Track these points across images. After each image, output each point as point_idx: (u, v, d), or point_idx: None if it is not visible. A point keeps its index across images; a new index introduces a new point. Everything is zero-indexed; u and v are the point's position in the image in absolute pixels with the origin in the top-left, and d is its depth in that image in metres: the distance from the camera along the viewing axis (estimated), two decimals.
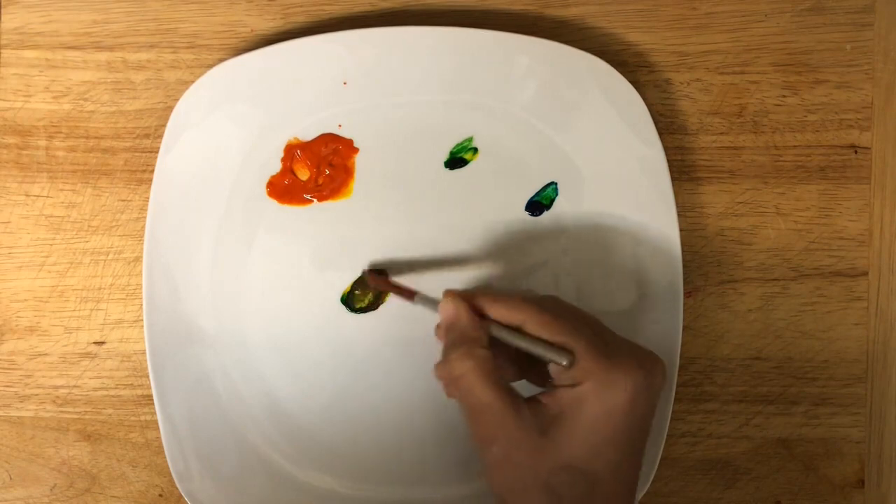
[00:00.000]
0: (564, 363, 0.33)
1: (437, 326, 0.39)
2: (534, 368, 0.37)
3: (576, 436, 0.33)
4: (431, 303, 0.38)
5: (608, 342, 0.35)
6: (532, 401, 0.34)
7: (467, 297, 0.36)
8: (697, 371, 0.44)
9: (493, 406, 0.33)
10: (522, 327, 0.35)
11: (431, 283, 0.42)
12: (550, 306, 0.36)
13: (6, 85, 0.44)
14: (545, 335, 0.34)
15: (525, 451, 0.33)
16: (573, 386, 0.33)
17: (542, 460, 0.33)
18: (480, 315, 0.36)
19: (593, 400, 0.33)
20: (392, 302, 0.43)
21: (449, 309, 0.36)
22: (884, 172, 0.44)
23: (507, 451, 0.33)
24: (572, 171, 0.43)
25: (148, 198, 0.42)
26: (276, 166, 0.43)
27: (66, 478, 0.44)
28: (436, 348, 0.41)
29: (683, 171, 0.44)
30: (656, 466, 0.42)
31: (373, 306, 0.43)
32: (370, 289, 0.43)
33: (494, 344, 0.35)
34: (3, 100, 0.44)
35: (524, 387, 0.37)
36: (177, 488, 0.41)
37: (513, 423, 0.33)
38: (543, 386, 0.37)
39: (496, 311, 0.36)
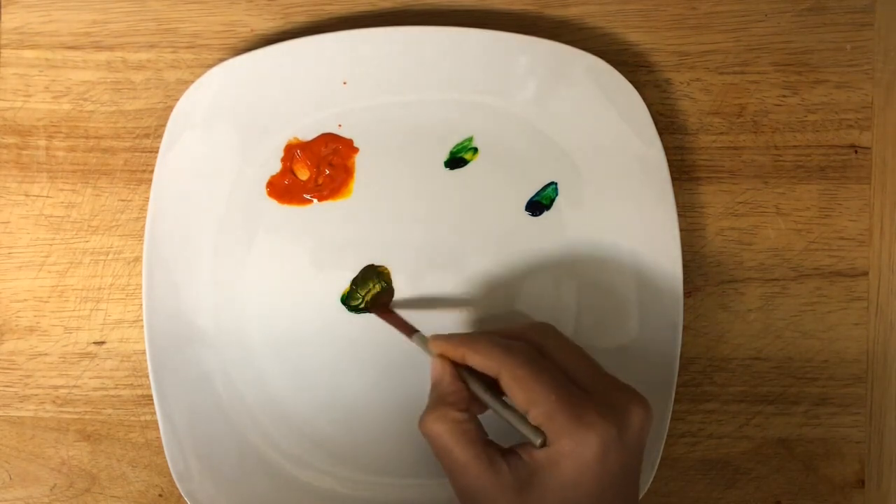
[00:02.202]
0: (537, 443, 0.34)
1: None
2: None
3: (550, 496, 0.33)
4: (425, 345, 0.38)
5: (583, 394, 0.34)
6: (512, 454, 0.34)
7: (451, 346, 0.37)
8: (697, 371, 0.44)
9: (470, 467, 0.34)
10: (499, 379, 0.35)
11: (431, 284, 0.43)
12: (529, 356, 0.35)
13: (6, 85, 0.44)
14: (518, 390, 0.34)
15: None
16: (540, 448, 0.34)
17: None
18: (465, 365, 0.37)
19: (565, 460, 0.33)
20: (392, 302, 0.43)
21: (435, 367, 0.37)
22: (884, 172, 0.44)
23: None
24: (572, 171, 0.43)
25: (148, 198, 0.42)
26: (276, 166, 0.43)
27: (65, 478, 0.44)
28: None
29: (683, 170, 0.44)
30: (656, 466, 0.42)
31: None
32: (372, 291, 0.43)
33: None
34: (3, 99, 0.44)
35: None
36: (177, 488, 0.41)
37: (490, 483, 0.33)
38: None
39: (474, 361, 0.36)
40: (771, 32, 0.44)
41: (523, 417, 0.34)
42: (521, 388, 0.34)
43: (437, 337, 0.37)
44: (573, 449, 0.33)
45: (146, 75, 0.44)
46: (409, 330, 0.39)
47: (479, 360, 0.36)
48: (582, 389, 0.35)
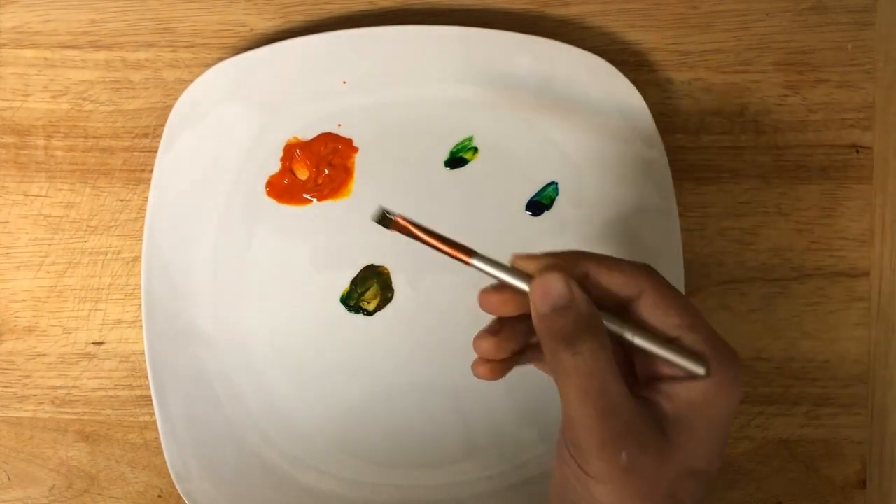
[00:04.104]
0: (701, 372, 0.28)
1: (487, 293, 0.31)
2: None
3: (700, 438, 0.28)
4: (502, 270, 0.29)
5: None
6: (638, 399, 0.29)
7: (569, 261, 0.29)
8: None
9: (626, 406, 0.28)
10: (635, 302, 0.29)
11: (431, 284, 0.42)
12: (664, 278, 0.29)
13: (4, 84, 0.44)
14: (672, 312, 0.28)
15: (652, 456, 0.28)
16: (694, 382, 0.28)
17: (667, 466, 0.28)
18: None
19: (719, 397, 0.28)
20: (391, 302, 0.43)
21: (559, 290, 0.28)
22: (885, 172, 0.44)
23: (635, 458, 0.28)
24: (572, 171, 0.43)
25: (147, 197, 0.41)
26: (275, 166, 0.43)
27: (64, 478, 0.44)
28: (434, 348, 0.41)
29: (684, 170, 0.44)
30: None
31: (374, 307, 0.43)
32: (372, 291, 0.42)
33: None
34: (2, 99, 0.44)
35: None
36: (176, 489, 0.41)
37: (643, 425, 0.28)
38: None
39: (607, 278, 0.29)
40: (772, 32, 0.44)
41: (678, 345, 0.28)
42: (676, 309, 0.28)
43: (536, 255, 0.29)
44: (727, 388, 0.28)
45: (145, 75, 0.44)
46: (465, 251, 0.30)
47: (617, 276, 0.29)
48: None
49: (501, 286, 0.30)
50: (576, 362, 0.28)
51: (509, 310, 0.30)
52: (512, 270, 0.29)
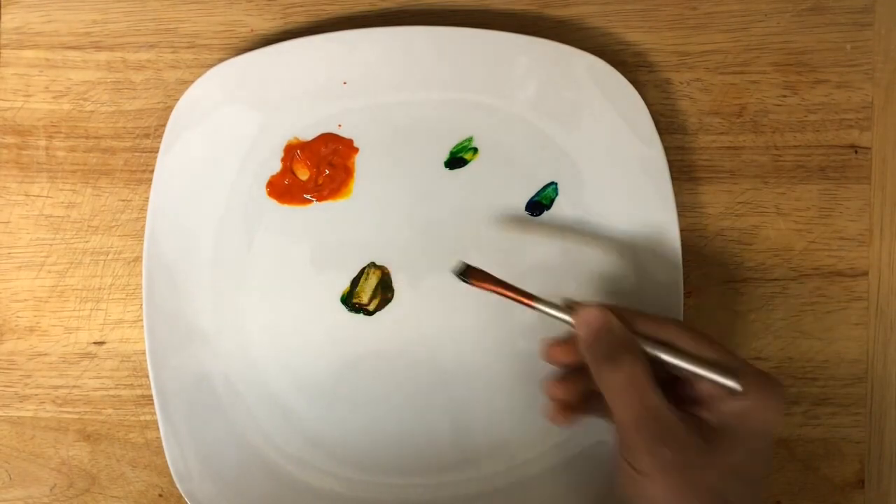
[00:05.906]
0: (738, 387, 0.33)
1: (550, 346, 0.37)
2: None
3: (742, 445, 0.33)
4: (556, 308, 0.36)
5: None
6: (685, 414, 0.34)
7: (615, 310, 0.36)
8: None
9: (663, 410, 0.33)
10: (670, 342, 0.35)
11: (431, 284, 0.43)
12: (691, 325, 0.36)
13: (6, 85, 0.44)
14: (706, 346, 0.34)
15: (696, 454, 0.32)
16: (734, 399, 0.33)
17: (712, 464, 0.32)
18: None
19: (757, 413, 0.33)
20: (391, 302, 0.43)
21: (597, 317, 0.35)
22: (884, 172, 0.44)
23: (676, 455, 0.32)
24: (572, 171, 0.43)
25: (148, 198, 0.42)
26: (276, 166, 0.43)
27: (65, 478, 0.44)
28: (434, 347, 0.41)
29: (683, 170, 0.44)
30: None
31: (374, 307, 0.43)
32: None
33: None
34: (3, 99, 0.44)
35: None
36: (177, 488, 0.41)
37: (682, 427, 0.33)
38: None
39: (643, 326, 0.35)
40: (771, 32, 0.44)
41: (717, 365, 0.34)
42: (709, 345, 0.34)
43: (587, 303, 0.36)
44: (764, 406, 0.33)
45: (146, 75, 0.44)
46: (527, 297, 0.36)
47: (649, 323, 0.35)
48: None
49: (563, 341, 0.37)
50: (616, 376, 0.33)
51: (568, 357, 0.37)
52: (561, 308, 0.36)
